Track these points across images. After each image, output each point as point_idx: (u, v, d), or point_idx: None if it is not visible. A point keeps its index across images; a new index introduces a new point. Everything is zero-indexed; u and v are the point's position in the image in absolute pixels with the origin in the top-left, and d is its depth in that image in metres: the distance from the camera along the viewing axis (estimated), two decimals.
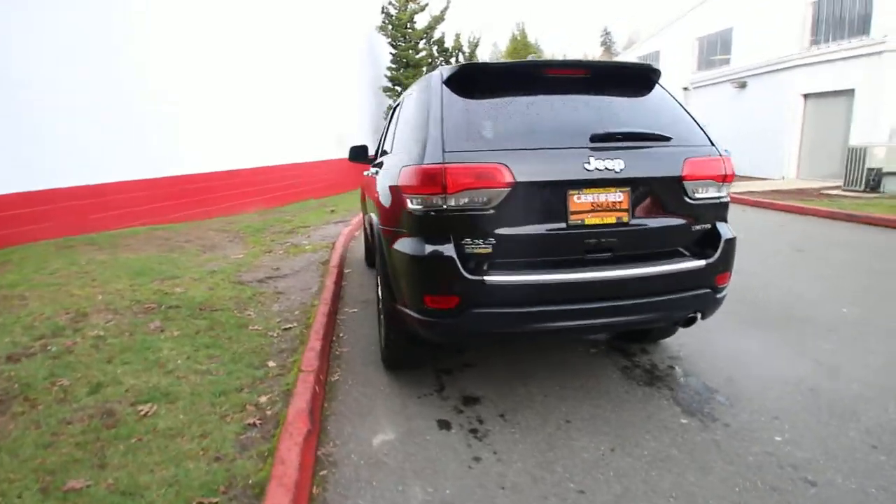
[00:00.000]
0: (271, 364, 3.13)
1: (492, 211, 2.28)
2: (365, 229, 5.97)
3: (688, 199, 2.48)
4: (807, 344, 3.42)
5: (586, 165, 2.31)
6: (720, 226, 2.59)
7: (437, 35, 17.13)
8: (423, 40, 16.18)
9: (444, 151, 2.30)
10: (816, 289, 4.75)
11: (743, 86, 15.95)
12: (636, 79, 2.74)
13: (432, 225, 2.34)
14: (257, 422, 2.45)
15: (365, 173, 5.39)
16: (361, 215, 6.81)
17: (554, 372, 3.09)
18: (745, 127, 15.81)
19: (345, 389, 2.94)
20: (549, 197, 2.33)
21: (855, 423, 2.46)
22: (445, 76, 2.62)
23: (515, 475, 2.14)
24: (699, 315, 2.61)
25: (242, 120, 9.77)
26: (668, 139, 2.49)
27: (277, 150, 10.90)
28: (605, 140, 2.38)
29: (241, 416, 2.51)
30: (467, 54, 20.13)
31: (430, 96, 2.59)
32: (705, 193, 2.51)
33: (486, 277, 2.27)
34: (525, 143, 2.35)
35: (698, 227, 2.55)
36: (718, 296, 2.60)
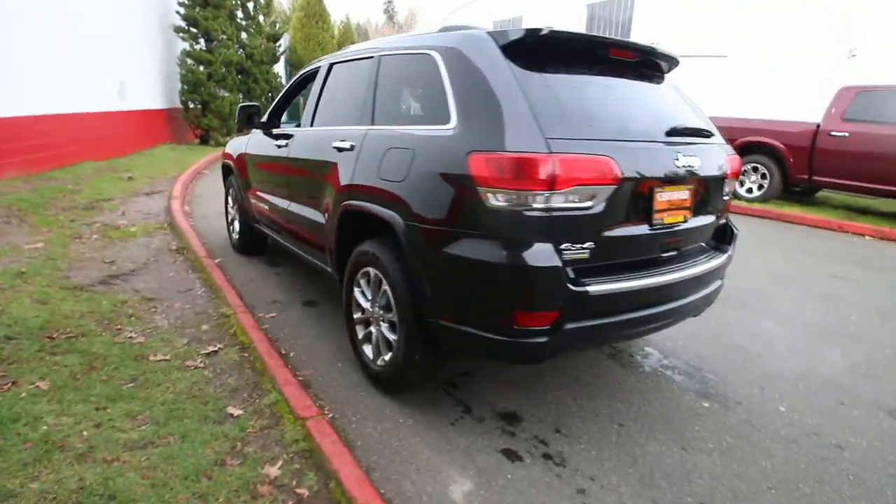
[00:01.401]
0: (234, 411, 2.26)
1: (594, 210, 1.96)
2: (233, 208, 4.81)
3: (722, 196, 2.55)
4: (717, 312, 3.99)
5: (676, 162, 2.15)
6: (730, 221, 2.75)
7: None
8: None
9: (546, 138, 1.87)
10: None
11: None
12: (661, 67, 2.66)
13: (527, 226, 1.90)
14: None
15: (246, 144, 4.30)
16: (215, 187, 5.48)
17: (555, 368, 2.95)
18: None
19: (355, 430, 2.29)
20: (640, 195, 2.11)
21: (812, 383, 2.94)
22: (503, 42, 2.12)
23: (634, 500, 1.95)
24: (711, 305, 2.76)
25: None
26: (713, 135, 2.50)
27: (35, 95, 8.01)
28: (679, 135, 2.26)
29: None
30: (263, 2, 17.96)
31: (487, 65, 2.08)
32: (728, 189, 2.61)
33: (588, 288, 1.96)
34: (617, 133, 2.07)
35: (721, 223, 2.66)
36: (723, 285, 2.78)
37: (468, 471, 2.07)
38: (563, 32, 2.15)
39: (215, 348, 2.82)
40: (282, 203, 3.59)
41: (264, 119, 4.04)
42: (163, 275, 4.08)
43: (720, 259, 2.54)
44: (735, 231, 2.71)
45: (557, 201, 1.88)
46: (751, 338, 3.51)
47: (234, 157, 4.55)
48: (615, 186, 1.97)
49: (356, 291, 2.70)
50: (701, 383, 2.87)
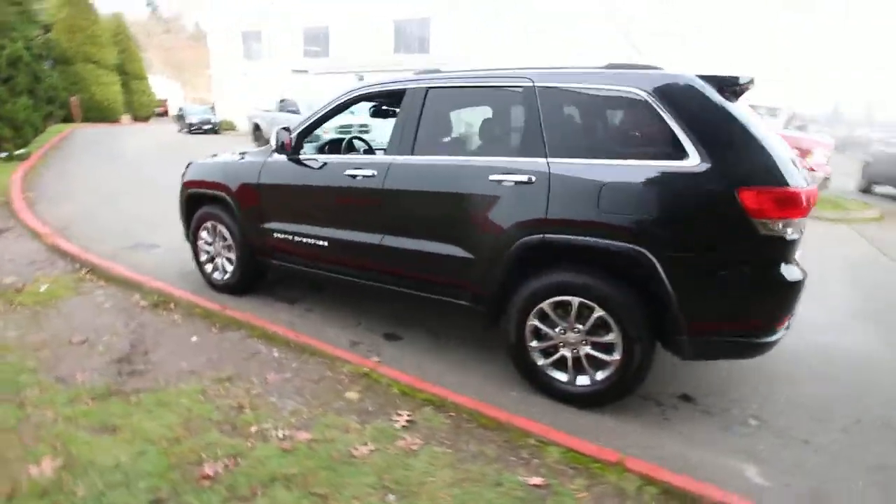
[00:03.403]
0: (532, 480, 1.79)
1: None
2: (215, 244, 3.52)
3: None
4: None
5: None
6: None
7: None
8: None
9: (802, 175, 1.90)
10: None
11: (362, 78, 17.01)
12: None
13: (788, 247, 1.93)
14: None
15: (258, 172, 3.16)
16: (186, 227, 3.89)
17: None
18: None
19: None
20: None
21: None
22: (717, 86, 2.01)
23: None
24: None
25: None
26: None
27: None
28: None
29: None
30: None
31: (720, 106, 1.97)
32: None
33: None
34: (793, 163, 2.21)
35: None
36: None
37: (746, 460, 2.02)
38: (752, 80, 2.16)
39: (407, 417, 2.10)
40: (362, 238, 2.79)
41: (274, 144, 3.02)
42: (185, 342, 2.79)
43: None
44: None
45: (804, 225, 1.96)
46: None
47: (233, 187, 3.28)
48: None
49: (534, 320, 2.34)
50: None
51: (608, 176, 2.10)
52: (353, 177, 2.76)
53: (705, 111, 2.00)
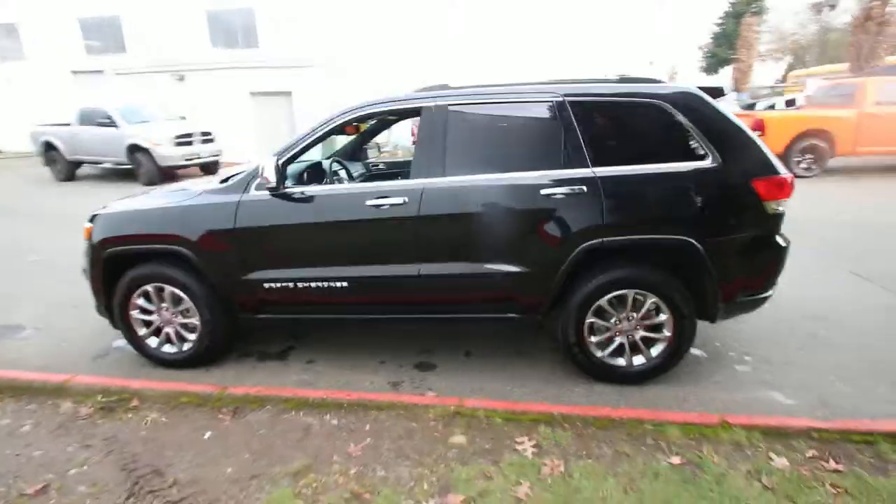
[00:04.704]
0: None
1: None
2: (165, 311, 2.80)
3: None
4: None
5: None
6: None
7: None
8: None
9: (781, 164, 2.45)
10: None
11: (182, 79, 14.46)
12: None
13: (781, 221, 2.48)
14: None
15: (233, 216, 2.63)
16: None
17: None
18: (195, 115, 14.50)
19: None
20: None
21: None
22: (714, 96, 2.44)
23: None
24: None
25: None
26: None
27: None
28: None
29: None
30: None
31: (723, 113, 2.39)
32: None
33: None
34: None
35: None
36: None
37: (770, 388, 2.58)
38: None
39: (530, 443, 2.08)
40: (395, 271, 2.55)
41: (274, 180, 2.55)
42: (199, 444, 2.19)
43: None
44: None
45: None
46: None
47: (193, 236, 2.60)
48: None
49: (591, 318, 2.53)
50: None
51: (650, 178, 2.38)
52: (378, 206, 2.51)
53: (711, 116, 2.42)
